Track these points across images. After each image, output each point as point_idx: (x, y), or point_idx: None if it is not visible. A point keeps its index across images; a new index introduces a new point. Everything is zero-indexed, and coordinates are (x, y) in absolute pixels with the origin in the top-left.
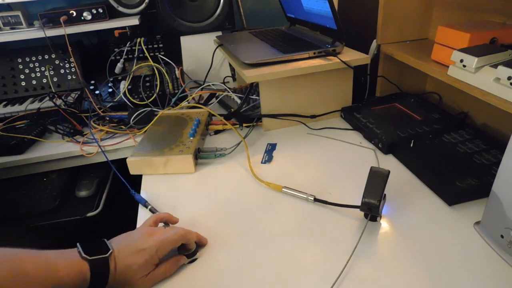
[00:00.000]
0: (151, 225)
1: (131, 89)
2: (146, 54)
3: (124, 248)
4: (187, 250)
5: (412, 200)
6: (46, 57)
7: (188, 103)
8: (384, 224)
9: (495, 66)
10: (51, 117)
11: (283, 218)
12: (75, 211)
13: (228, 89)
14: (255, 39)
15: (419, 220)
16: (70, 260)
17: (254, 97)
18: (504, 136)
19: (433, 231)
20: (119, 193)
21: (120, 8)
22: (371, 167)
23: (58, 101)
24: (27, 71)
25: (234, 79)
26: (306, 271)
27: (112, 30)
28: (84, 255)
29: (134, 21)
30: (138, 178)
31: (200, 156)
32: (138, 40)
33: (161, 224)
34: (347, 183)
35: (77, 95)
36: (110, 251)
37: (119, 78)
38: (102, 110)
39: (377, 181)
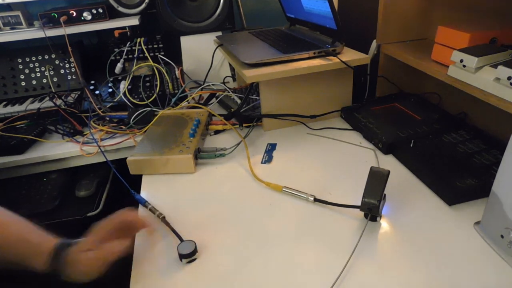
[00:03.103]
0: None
1: (131, 89)
2: (146, 54)
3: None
4: (186, 250)
5: (412, 200)
6: (46, 57)
7: (188, 103)
8: (384, 224)
9: (495, 66)
10: (51, 117)
11: (283, 218)
12: (75, 211)
13: (228, 89)
14: (255, 39)
15: (419, 220)
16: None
17: (254, 97)
18: (504, 136)
19: (433, 231)
20: (119, 193)
21: (120, 8)
22: (371, 167)
23: (58, 101)
24: (27, 71)
25: (234, 79)
26: (306, 271)
27: (112, 30)
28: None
29: (134, 21)
30: (138, 178)
31: (200, 156)
32: (138, 40)
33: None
34: (347, 183)
35: (77, 95)
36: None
37: (119, 78)
38: (102, 110)
39: (377, 181)
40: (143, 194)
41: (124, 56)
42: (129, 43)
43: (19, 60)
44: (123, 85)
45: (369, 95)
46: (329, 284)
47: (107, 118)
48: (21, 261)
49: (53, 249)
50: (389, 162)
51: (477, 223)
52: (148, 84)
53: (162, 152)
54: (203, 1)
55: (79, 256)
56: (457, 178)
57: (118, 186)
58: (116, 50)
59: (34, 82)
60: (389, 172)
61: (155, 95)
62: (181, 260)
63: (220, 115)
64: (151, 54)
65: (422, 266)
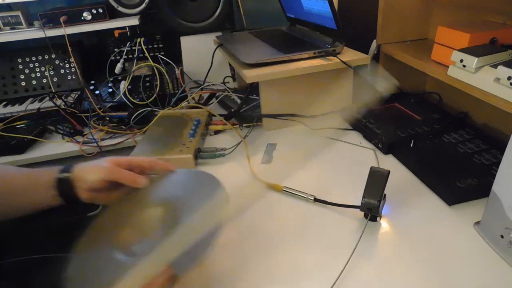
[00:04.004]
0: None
1: (131, 89)
2: (146, 54)
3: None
4: None
5: (412, 200)
6: (46, 57)
7: (188, 103)
8: (384, 224)
9: (495, 66)
10: (51, 117)
11: (283, 218)
12: (75, 211)
13: (228, 89)
14: (255, 39)
15: (419, 220)
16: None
17: (254, 97)
18: (504, 136)
19: (433, 231)
20: None
21: (120, 8)
22: (371, 167)
23: (58, 101)
24: (27, 71)
25: (234, 79)
26: (306, 271)
27: (112, 30)
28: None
29: (134, 21)
30: None
31: (200, 156)
32: (138, 40)
33: None
34: (347, 183)
35: (77, 95)
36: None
37: (119, 78)
38: (102, 110)
39: (377, 181)
40: None
41: (124, 56)
42: (129, 43)
43: (19, 60)
44: (123, 85)
45: None
46: (329, 284)
47: (107, 118)
48: (30, 202)
49: (58, 171)
50: (389, 162)
51: (477, 223)
52: (148, 84)
53: (162, 152)
54: (203, 1)
55: (85, 164)
56: (457, 178)
57: None
58: (116, 50)
59: (34, 82)
60: (389, 172)
61: (155, 95)
62: None
63: (220, 115)
64: (151, 54)
65: (422, 266)
